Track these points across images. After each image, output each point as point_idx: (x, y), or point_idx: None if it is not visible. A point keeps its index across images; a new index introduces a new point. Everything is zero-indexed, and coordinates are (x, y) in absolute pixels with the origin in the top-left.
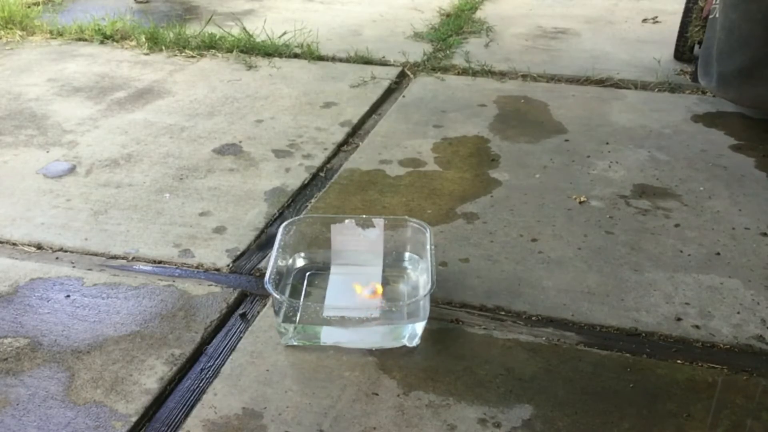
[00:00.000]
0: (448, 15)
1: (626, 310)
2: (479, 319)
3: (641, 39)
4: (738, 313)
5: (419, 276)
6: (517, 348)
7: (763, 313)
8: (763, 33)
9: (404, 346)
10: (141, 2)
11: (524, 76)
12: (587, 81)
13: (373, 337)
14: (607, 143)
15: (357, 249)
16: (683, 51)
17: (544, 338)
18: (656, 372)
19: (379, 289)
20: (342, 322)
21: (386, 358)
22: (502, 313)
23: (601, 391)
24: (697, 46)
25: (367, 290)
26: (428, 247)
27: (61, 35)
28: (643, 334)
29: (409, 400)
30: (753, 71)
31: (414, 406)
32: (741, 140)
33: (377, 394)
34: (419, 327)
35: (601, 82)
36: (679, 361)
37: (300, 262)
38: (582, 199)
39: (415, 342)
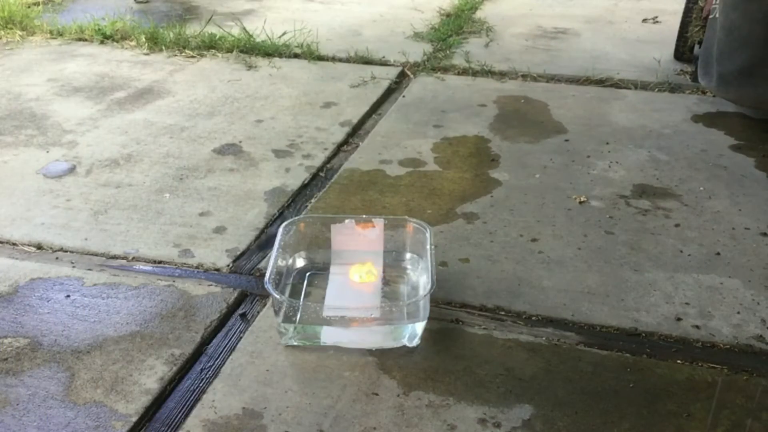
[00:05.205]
0: (448, 15)
1: (626, 310)
2: (479, 319)
3: (641, 39)
4: (738, 313)
5: (419, 276)
6: (517, 348)
7: (763, 313)
8: (763, 33)
9: (404, 346)
10: (141, 2)
11: (524, 76)
12: (587, 81)
13: (373, 338)
14: (607, 143)
15: (357, 249)
16: (683, 51)
17: (544, 338)
18: (656, 372)
19: (372, 273)
20: (342, 322)
21: (386, 358)
22: (502, 313)
23: (601, 391)
24: (697, 46)
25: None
26: (428, 247)
27: (61, 35)
28: (643, 334)
29: (409, 400)
30: (753, 71)
31: (414, 405)
32: (741, 140)
33: (377, 394)
34: (419, 327)
35: (601, 82)
36: (679, 361)
37: (300, 263)
38: (582, 199)
39: (415, 342)
